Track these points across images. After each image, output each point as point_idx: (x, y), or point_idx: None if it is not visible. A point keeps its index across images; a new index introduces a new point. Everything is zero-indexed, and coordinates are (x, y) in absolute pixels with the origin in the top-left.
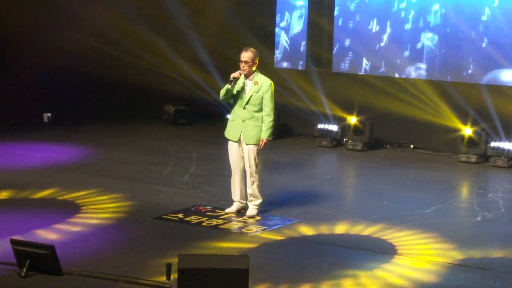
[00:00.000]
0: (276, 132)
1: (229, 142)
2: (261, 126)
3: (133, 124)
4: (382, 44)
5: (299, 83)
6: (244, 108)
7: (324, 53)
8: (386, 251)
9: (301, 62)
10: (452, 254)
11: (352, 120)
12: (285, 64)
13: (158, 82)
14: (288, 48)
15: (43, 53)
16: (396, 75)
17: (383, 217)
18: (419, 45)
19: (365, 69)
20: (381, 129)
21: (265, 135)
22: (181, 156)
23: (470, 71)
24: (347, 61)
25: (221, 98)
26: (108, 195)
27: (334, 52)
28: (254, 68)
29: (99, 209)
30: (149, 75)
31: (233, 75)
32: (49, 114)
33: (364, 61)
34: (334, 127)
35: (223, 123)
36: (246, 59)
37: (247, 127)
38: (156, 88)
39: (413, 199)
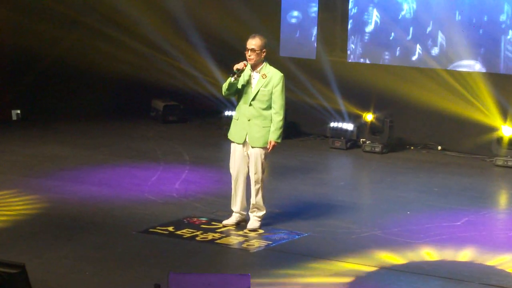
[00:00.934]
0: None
1: (232, 145)
2: (270, 126)
3: (116, 122)
4: (404, 31)
5: (309, 74)
6: (250, 105)
7: (338, 39)
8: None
9: (311, 50)
10: None
11: (369, 117)
12: (292, 53)
13: (144, 73)
14: (296, 34)
15: (10, 40)
16: (421, 65)
17: (406, 230)
18: (446, 31)
19: (386, 58)
20: (404, 128)
21: (273, 136)
22: (172, 160)
23: (506, 60)
24: (365, 49)
25: (223, 93)
26: (86, 204)
27: (349, 38)
28: (262, 58)
29: (76, 221)
30: (135, 65)
31: (237, 66)
32: (18, 111)
33: (385, 48)
34: (349, 126)
35: (221, 121)
36: (253, 47)
37: (254, 127)
38: (142, 80)
39: (441, 209)
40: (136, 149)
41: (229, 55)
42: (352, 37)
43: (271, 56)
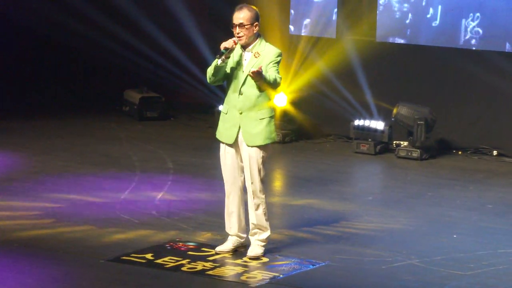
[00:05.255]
0: (294, 133)
1: (222, 146)
2: (269, 118)
3: (79, 119)
4: (450, 1)
5: (327, 57)
6: (241, 93)
7: (365, 13)
8: None
9: (330, 27)
10: None
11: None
12: (306, 30)
13: (116, 57)
14: (311, 6)
15: None
16: (472, 45)
17: (452, 258)
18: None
19: (427, 37)
20: (449, 127)
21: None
22: (151, 167)
23: None
24: (399, 26)
25: (208, 80)
26: (40, 226)
27: (379, 11)
28: (255, 34)
29: (28, 247)
30: (103, 47)
31: (224, 44)
32: None
33: (425, 25)
34: (379, 125)
35: (213, 117)
36: (241, 21)
37: (248, 122)
38: (113, 65)
39: (497, 231)
40: (104, 154)
41: (225, 34)
42: (383, 10)
43: (279, 34)
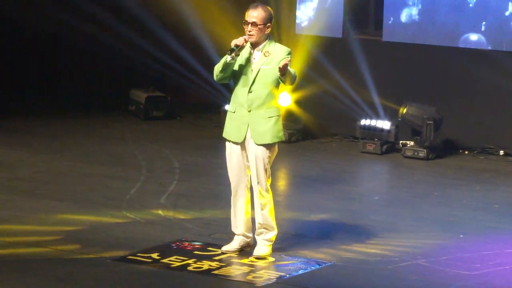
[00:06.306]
0: (300, 133)
1: (228, 146)
2: (277, 117)
3: (84, 119)
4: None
5: (333, 57)
6: (250, 91)
7: (372, 12)
8: None
9: (336, 27)
10: None
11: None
12: (312, 30)
13: (122, 56)
14: (317, 6)
15: None
16: (479, 45)
17: (458, 258)
18: None
19: (433, 37)
20: (456, 127)
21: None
22: (157, 167)
23: None
24: (406, 26)
25: (215, 77)
26: (46, 225)
27: (385, 11)
28: (266, 35)
29: (33, 245)
30: (109, 46)
31: (235, 41)
32: None
33: (432, 24)
34: (385, 124)
35: (220, 117)
36: (254, 20)
37: (257, 120)
38: (119, 65)
39: (503, 231)
40: (110, 153)
41: (231, 33)
42: (390, 9)
43: (284, 34)
